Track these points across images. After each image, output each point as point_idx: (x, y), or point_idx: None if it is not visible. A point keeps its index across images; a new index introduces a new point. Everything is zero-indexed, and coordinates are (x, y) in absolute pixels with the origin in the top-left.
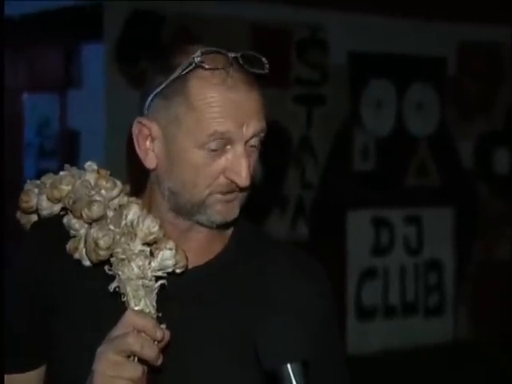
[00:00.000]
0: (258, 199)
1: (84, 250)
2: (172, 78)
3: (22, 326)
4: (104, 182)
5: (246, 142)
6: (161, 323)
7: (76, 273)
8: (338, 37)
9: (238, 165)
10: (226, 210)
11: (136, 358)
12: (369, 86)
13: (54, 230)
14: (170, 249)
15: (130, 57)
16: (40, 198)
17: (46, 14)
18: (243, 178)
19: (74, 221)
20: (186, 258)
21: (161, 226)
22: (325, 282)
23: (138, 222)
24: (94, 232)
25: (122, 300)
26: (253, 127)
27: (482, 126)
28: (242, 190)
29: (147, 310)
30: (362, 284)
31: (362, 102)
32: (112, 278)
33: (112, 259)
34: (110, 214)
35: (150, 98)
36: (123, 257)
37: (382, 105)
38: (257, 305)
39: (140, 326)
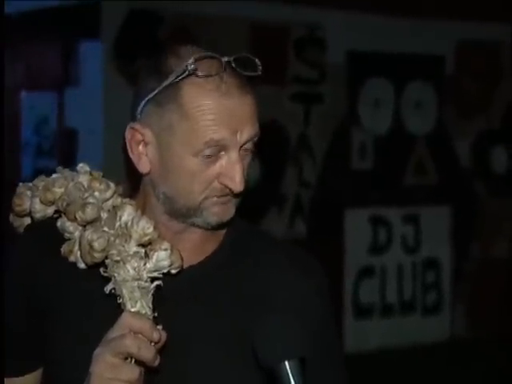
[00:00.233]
0: (256, 198)
1: (79, 253)
2: (165, 84)
3: (17, 329)
4: (97, 184)
5: (241, 147)
6: (157, 324)
7: (71, 275)
8: (336, 35)
9: (232, 170)
10: (221, 211)
11: (133, 360)
12: (367, 84)
13: (47, 232)
14: (165, 249)
15: (128, 55)
16: (33, 201)
17: (43, 12)
18: (237, 183)
19: (68, 224)
20: (181, 259)
21: (155, 227)
22: (322, 280)
23: (132, 223)
24: (89, 234)
25: (118, 302)
26: (247, 133)
27: (480, 125)
28: (236, 195)
29: (143, 312)
30: (360, 282)
31: (360, 100)
32: (107, 279)
33: (107, 261)
34: (104, 215)
35: (142, 103)
36: (118, 258)
37: (380, 103)
38: (253, 303)
39: (137, 328)
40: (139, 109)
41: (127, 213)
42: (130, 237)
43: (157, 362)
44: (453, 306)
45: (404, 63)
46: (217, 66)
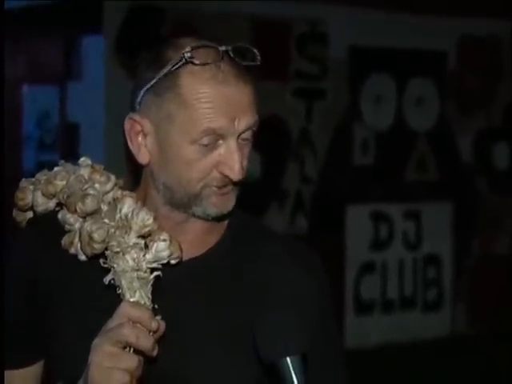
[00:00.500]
0: (258, 193)
1: (79, 245)
2: (162, 73)
3: (19, 321)
4: (98, 176)
5: (239, 135)
6: (156, 315)
7: (72, 267)
8: (338, 31)
9: (231, 159)
10: (221, 202)
11: (132, 349)
12: (369, 80)
13: (49, 225)
14: (164, 240)
15: (130, 50)
16: (35, 195)
17: (46, 6)
18: (236, 172)
19: (68, 215)
20: (181, 249)
21: (155, 219)
22: (323, 277)
23: (132, 215)
24: (88, 225)
25: (118, 292)
26: (245, 121)
27: (481, 121)
28: (235, 183)
29: (142, 302)
30: (361, 278)
31: (361, 96)
32: (107, 271)
33: (107, 252)
34: (105, 207)
35: (141, 94)
36: (118, 250)
37: (381, 99)
38: (253, 297)
39: (135, 317)
40: (138, 99)
41: (127, 205)
42: (130, 228)
43: (155, 352)
44: (453, 303)
45: (406, 59)
46: (214, 55)
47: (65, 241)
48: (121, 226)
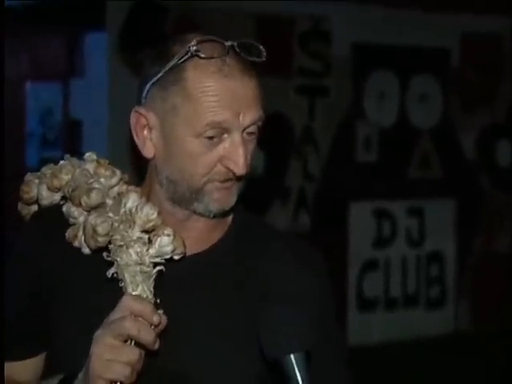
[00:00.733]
0: (260, 190)
1: (83, 237)
2: (168, 67)
3: (21, 313)
4: (103, 171)
5: (243, 130)
6: (158, 309)
7: (75, 260)
8: (342, 28)
9: (235, 153)
10: (223, 197)
11: (133, 343)
12: (372, 77)
13: (54, 218)
14: (168, 235)
15: (134, 47)
16: (40, 188)
17: (48, 2)
18: (240, 166)
19: (73, 209)
20: (184, 245)
21: (159, 214)
22: (324, 274)
23: (136, 209)
24: (93, 219)
25: (120, 286)
26: (249, 116)
27: (484, 118)
28: (238, 178)
29: (145, 296)
30: (364, 276)
31: (364, 93)
32: (111, 264)
33: (110, 246)
34: (109, 202)
35: (147, 87)
36: (121, 243)
37: (384, 96)
38: (255, 294)
39: (137, 311)
40: (144, 93)
41: (132, 199)
42: (134, 223)
43: (156, 346)
44: (456, 300)
45: (409, 56)
46: (220, 49)
47: (69, 233)
48: (125, 220)
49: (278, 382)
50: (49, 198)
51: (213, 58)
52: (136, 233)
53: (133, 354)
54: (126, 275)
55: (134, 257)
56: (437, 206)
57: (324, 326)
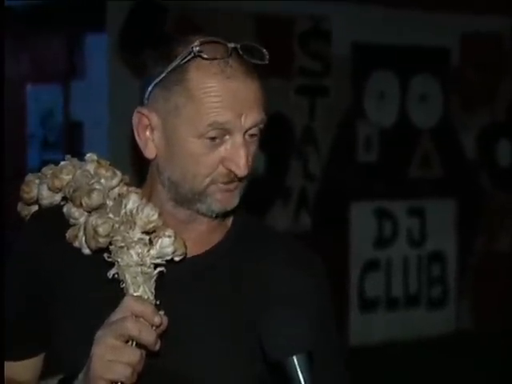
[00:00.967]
0: (261, 191)
1: (83, 238)
2: (171, 67)
3: (20, 313)
4: (104, 171)
5: (245, 132)
6: (159, 310)
7: (75, 261)
8: (342, 28)
9: (237, 155)
10: (225, 198)
11: (134, 343)
12: (372, 77)
13: (54, 219)
14: (169, 236)
15: (134, 48)
16: (41, 188)
17: (49, 4)
18: (241, 167)
19: (73, 209)
20: (185, 246)
21: (160, 215)
22: (323, 275)
23: (137, 210)
24: (94, 219)
25: (121, 286)
26: (251, 118)
27: (485, 118)
28: (240, 179)
29: (146, 296)
30: (365, 276)
31: (365, 93)
32: (111, 265)
33: (111, 247)
34: (110, 203)
35: (149, 88)
36: (122, 244)
37: (385, 96)
38: (254, 296)
39: (138, 312)
40: (146, 94)
41: (132, 200)
42: (135, 224)
43: (157, 347)
44: (458, 300)
45: (409, 56)
46: (222, 51)
47: (69, 234)
48: (125, 221)
49: (279, 382)
50: (49, 198)
51: (215, 59)
52: (137, 234)
53: (134, 355)
54: (127, 276)
55: (135, 258)
56: (437, 206)
57: (322, 326)
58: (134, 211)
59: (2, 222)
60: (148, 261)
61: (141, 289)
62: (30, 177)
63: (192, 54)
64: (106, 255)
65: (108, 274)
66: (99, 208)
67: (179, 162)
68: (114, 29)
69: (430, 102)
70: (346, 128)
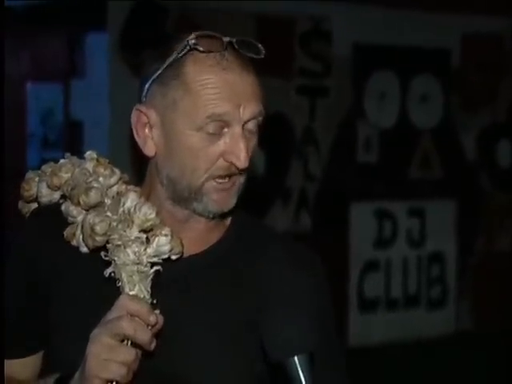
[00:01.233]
0: (261, 191)
1: (81, 236)
2: (168, 62)
3: (19, 311)
4: (102, 170)
5: (244, 124)
6: (155, 309)
7: (73, 259)
8: (342, 28)
9: (237, 147)
10: (222, 198)
11: (129, 342)
12: (373, 77)
13: (52, 217)
14: (166, 235)
15: (134, 47)
16: (40, 186)
17: (49, 3)
18: (242, 159)
19: (71, 208)
20: (182, 245)
21: (158, 213)
22: (322, 275)
23: (135, 209)
24: (91, 218)
25: (118, 285)
26: (250, 109)
27: (485, 118)
28: (241, 172)
29: (141, 295)
30: (365, 276)
31: (365, 93)
32: (108, 264)
33: (108, 245)
34: (108, 201)
35: (147, 85)
36: (119, 243)
37: (385, 97)
38: (252, 296)
39: (134, 311)
40: (144, 92)
41: (130, 199)
42: (132, 222)
43: (153, 346)
44: (457, 300)
45: (410, 56)
46: (218, 44)
47: (67, 232)
48: (123, 219)
49: (279, 383)
50: (48, 196)
51: (211, 51)
52: (134, 232)
53: (129, 354)
54: (124, 275)
55: (132, 256)
56: (437, 207)
57: (322, 326)
58: (132, 210)
59: (2, 222)
60: (145, 259)
61: (136, 287)
62: (29, 174)
63: (188, 48)
64: (103, 254)
65: (104, 273)
66: (97, 206)
67: (178, 157)
68: (114, 28)
69: (430, 103)
70: (346, 128)
